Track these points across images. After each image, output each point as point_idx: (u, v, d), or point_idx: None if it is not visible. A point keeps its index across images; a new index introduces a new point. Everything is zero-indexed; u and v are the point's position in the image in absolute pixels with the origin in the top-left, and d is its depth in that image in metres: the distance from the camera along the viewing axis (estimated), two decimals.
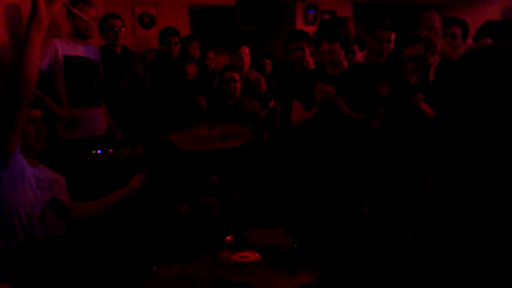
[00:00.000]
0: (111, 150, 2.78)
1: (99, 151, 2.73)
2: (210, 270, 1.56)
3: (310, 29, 5.08)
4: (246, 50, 4.29)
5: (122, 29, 3.79)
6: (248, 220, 2.18)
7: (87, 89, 3.35)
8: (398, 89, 2.71)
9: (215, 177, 2.20)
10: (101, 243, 2.02)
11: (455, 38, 3.04)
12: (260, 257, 1.52)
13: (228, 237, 1.99)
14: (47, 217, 2.03)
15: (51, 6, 1.64)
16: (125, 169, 2.58)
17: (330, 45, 2.75)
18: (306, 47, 3.52)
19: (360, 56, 4.28)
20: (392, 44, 3.39)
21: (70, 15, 3.27)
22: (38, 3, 1.60)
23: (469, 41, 3.26)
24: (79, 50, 3.32)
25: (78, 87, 3.30)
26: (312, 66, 3.59)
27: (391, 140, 2.62)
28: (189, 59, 4.30)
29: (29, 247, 1.92)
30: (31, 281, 1.73)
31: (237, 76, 3.65)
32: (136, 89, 3.90)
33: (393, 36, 3.41)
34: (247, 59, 4.31)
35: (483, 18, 6.11)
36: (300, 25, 6.20)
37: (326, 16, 6.41)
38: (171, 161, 3.14)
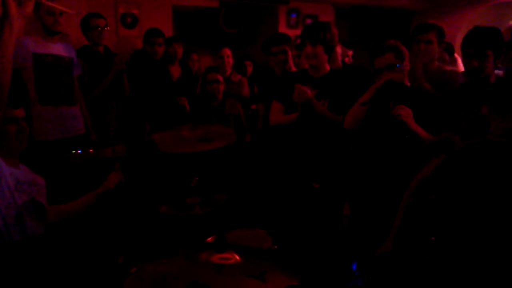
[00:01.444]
0: (91, 150, 2.75)
1: (79, 151, 2.70)
2: (190, 272, 1.55)
3: (293, 33, 5.12)
4: (227, 52, 4.30)
5: (106, 28, 3.76)
6: (230, 221, 2.18)
7: (60, 87, 3.28)
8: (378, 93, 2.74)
9: (196, 178, 2.19)
10: (81, 244, 1.99)
11: (430, 44, 3.09)
12: (240, 259, 1.52)
13: (209, 238, 1.99)
14: (25, 219, 1.99)
15: (23, 7, 1.58)
16: (105, 169, 2.55)
17: (313, 48, 2.77)
18: (288, 51, 3.53)
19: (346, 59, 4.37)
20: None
21: (36, 12, 3.20)
22: (9, 5, 1.53)
23: (444, 45, 3.31)
24: (51, 48, 3.25)
25: (50, 85, 3.23)
26: (293, 69, 3.61)
27: (371, 142, 2.65)
28: (172, 60, 4.29)
29: (5, 249, 1.89)
30: (9, 282, 1.70)
31: (220, 77, 3.66)
32: (117, 89, 3.87)
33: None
34: (229, 61, 4.32)
35: (463, 24, 6.26)
36: (282, 28, 6.23)
37: (308, 20, 6.45)
38: (153, 162, 3.12)
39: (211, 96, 3.63)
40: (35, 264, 1.83)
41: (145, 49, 4.09)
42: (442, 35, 3.13)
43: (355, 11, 6.94)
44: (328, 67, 2.90)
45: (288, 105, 2.87)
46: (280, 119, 2.92)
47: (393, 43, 2.59)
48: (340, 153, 2.82)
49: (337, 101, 2.79)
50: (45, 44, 3.24)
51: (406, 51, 2.61)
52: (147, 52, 4.07)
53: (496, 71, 2.66)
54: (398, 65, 2.55)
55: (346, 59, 4.75)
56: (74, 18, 3.86)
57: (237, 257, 1.50)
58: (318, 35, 2.76)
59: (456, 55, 4.70)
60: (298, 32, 5.60)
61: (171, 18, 5.24)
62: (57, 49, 3.30)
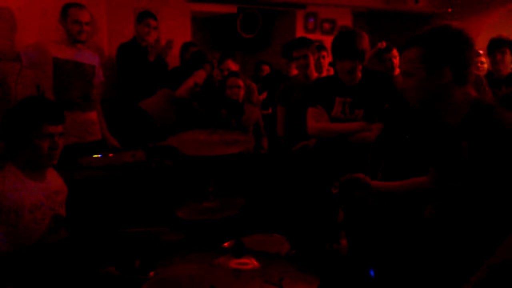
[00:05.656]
0: (111, 155, 2.78)
1: (99, 155, 2.73)
2: (207, 276, 1.55)
3: (310, 37, 5.11)
4: (230, 64, 4.22)
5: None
6: (247, 226, 2.17)
7: (77, 93, 3.34)
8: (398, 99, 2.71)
9: (212, 183, 2.19)
10: (99, 248, 2.01)
11: None
12: (258, 265, 1.51)
13: (227, 243, 1.99)
14: (44, 237, 2.00)
15: None
16: (125, 174, 2.57)
17: (353, 64, 2.71)
18: (310, 55, 3.53)
19: None
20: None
21: (62, 19, 3.27)
22: None
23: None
24: (71, 54, 3.31)
25: (67, 90, 3.28)
26: (315, 74, 3.61)
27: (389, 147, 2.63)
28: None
29: (32, 252, 1.90)
30: (32, 284, 1.71)
31: (240, 82, 3.66)
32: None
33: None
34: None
35: (483, 28, 6.16)
36: (300, 33, 6.22)
37: (326, 25, 6.44)
38: (171, 166, 3.13)
39: (232, 101, 3.63)
40: (50, 267, 1.84)
41: (138, 30, 4.04)
42: None
43: (373, 15, 6.90)
44: (360, 75, 2.81)
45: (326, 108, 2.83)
46: (326, 126, 2.82)
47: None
48: (360, 159, 2.79)
49: (372, 111, 2.73)
50: (67, 50, 3.30)
51: None
52: (139, 36, 4.03)
53: None
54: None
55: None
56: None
57: (255, 263, 1.50)
58: (356, 49, 2.69)
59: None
60: (316, 36, 5.60)
61: (190, 24, 5.28)
62: (79, 55, 3.36)
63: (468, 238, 1.63)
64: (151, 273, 1.79)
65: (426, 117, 1.76)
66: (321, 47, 4.15)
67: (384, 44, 4.53)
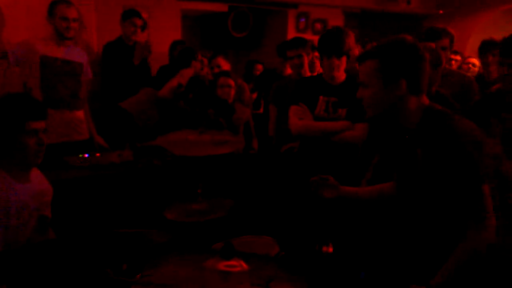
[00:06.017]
0: (98, 154, 2.74)
1: (86, 155, 2.69)
2: (196, 279, 1.54)
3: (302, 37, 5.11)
4: (221, 61, 4.20)
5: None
6: (236, 228, 2.16)
7: (65, 92, 3.29)
8: None
9: (201, 184, 2.18)
10: (86, 249, 1.98)
11: (445, 50, 3.05)
12: (247, 267, 1.50)
13: (216, 245, 1.97)
14: (30, 237, 1.98)
15: None
16: (112, 174, 2.54)
17: (339, 61, 2.71)
18: (304, 55, 3.52)
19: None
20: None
21: (50, 16, 3.24)
22: None
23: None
24: (60, 52, 3.27)
25: (54, 89, 3.24)
26: (308, 74, 3.60)
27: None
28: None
29: (19, 253, 1.87)
30: (19, 285, 1.69)
31: (231, 82, 3.64)
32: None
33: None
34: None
35: (475, 29, 6.20)
36: (291, 32, 6.23)
37: (317, 25, 6.44)
38: (159, 166, 3.11)
39: (221, 100, 3.61)
40: (37, 269, 1.82)
41: (124, 29, 3.99)
42: (452, 42, 3.10)
43: (365, 16, 6.93)
44: (344, 75, 2.81)
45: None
46: (309, 124, 2.79)
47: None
48: (349, 160, 2.78)
49: (355, 110, 2.72)
50: (55, 48, 3.26)
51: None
52: (125, 35, 3.99)
53: None
54: None
55: None
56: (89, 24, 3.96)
57: (244, 265, 1.48)
58: (343, 47, 2.69)
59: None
60: (307, 36, 5.60)
61: (180, 22, 5.26)
62: (67, 53, 3.32)
63: (433, 239, 1.71)
64: (138, 276, 1.76)
65: (384, 124, 1.82)
66: (314, 47, 4.15)
67: (374, 45, 4.53)
